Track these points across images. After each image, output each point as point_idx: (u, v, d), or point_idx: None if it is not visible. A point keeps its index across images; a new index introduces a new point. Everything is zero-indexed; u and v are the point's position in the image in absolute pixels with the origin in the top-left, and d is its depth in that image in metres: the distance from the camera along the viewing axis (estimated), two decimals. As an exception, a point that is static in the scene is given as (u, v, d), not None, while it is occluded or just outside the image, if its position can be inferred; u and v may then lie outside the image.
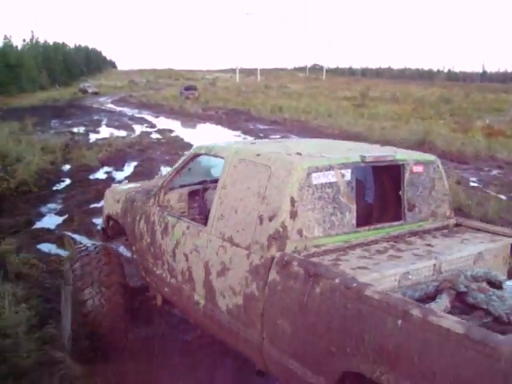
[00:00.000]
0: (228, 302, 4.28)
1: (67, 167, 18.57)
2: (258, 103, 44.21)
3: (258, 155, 4.44)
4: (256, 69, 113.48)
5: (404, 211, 4.68)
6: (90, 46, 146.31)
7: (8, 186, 14.67)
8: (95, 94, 71.16)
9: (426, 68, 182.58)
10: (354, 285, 3.21)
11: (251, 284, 3.98)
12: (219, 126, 33.43)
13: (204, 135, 29.79)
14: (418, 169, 4.81)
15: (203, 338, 6.09)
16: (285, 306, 3.65)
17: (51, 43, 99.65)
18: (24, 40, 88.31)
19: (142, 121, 36.57)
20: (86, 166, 18.01)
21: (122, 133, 28.58)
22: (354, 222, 4.27)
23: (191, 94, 53.96)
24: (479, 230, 4.87)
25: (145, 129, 31.55)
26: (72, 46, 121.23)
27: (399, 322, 2.85)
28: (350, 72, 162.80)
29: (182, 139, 24.95)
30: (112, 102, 56.61)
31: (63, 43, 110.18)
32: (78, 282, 5.46)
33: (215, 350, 5.77)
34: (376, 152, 4.89)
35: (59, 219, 12.28)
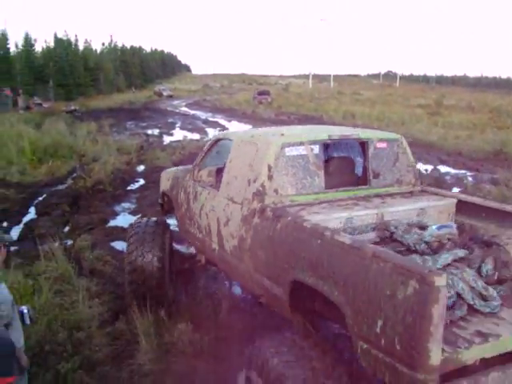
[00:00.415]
0: (230, 244, 5.64)
1: (141, 168, 18.99)
2: (331, 109, 43.98)
3: (252, 136, 5.99)
4: (329, 75, 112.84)
5: (369, 178, 5.87)
6: (166, 50, 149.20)
7: (84, 184, 15.18)
8: (170, 97, 72.34)
9: (503, 76, 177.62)
10: (298, 220, 4.60)
11: (242, 228, 5.32)
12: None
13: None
14: (382, 145, 6.01)
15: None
16: (261, 240, 4.97)
17: (128, 47, 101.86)
18: (103, 44, 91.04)
19: (215, 124, 36.95)
20: (160, 167, 18.32)
21: (196, 136, 28.99)
22: (323, 184, 5.49)
23: (264, 99, 54.09)
24: (438, 194, 6.06)
25: (218, 132, 31.87)
26: (148, 49, 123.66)
27: (318, 241, 4.15)
28: (425, 79, 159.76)
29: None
30: (186, 106, 57.46)
31: (140, 47, 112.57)
32: (132, 245, 6.86)
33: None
34: (343, 132, 6.23)
35: (132, 218, 12.60)
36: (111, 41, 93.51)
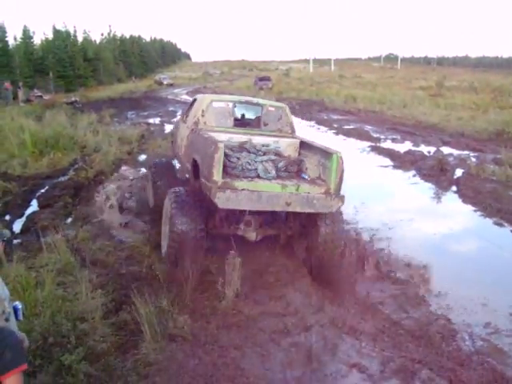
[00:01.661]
0: (182, 146, 10.64)
1: (143, 157, 18.95)
2: (332, 93, 43.90)
3: (202, 96, 10.80)
4: (330, 59, 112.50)
5: (261, 125, 10.02)
6: (166, 39, 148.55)
7: (86, 175, 15.14)
8: (170, 85, 72.19)
9: (505, 56, 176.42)
10: (201, 133, 8.69)
11: (186, 138, 10.05)
12: (292, 117, 33.31)
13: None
14: (271, 109, 10.16)
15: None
16: (189, 142, 9.63)
17: (128, 37, 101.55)
18: (102, 34, 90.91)
19: (215, 111, 36.74)
20: (162, 155, 18.33)
21: (197, 123, 28.80)
22: (232, 124, 9.75)
23: (265, 85, 54.00)
24: (294, 138, 9.91)
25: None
26: (148, 39, 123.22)
27: (201, 139, 8.39)
28: (426, 61, 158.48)
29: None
30: (187, 93, 57.28)
31: (139, 36, 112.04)
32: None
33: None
34: (249, 99, 10.96)
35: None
36: (110, 31, 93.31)
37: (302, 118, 31.78)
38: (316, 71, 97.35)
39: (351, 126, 26.93)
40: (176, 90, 63.45)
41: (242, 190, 7.26)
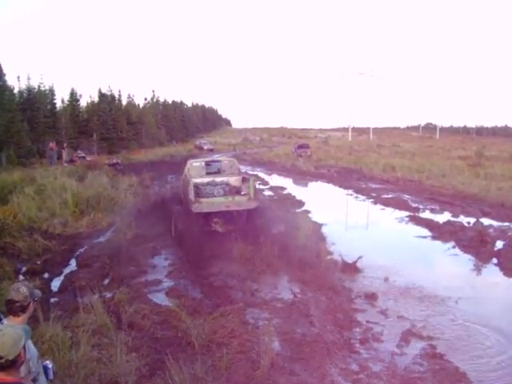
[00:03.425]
0: (181, 191, 18.20)
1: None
2: (370, 162, 43.87)
3: (188, 160, 19.31)
4: (368, 128, 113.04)
5: (221, 171, 18.15)
6: (207, 105, 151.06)
7: (125, 237, 15.28)
8: (210, 150, 73.12)
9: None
10: (187, 179, 16.45)
11: (182, 182, 18.24)
12: (331, 185, 33.35)
13: (315, 193, 29.81)
14: (225, 162, 19.23)
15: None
16: (183, 185, 17.71)
17: (170, 102, 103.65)
18: (145, 99, 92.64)
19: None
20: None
21: (235, 189, 29.01)
22: (204, 173, 17.55)
23: (304, 152, 54.20)
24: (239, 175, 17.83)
25: (257, 186, 31.95)
26: (189, 104, 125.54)
27: (187, 184, 15.41)
28: (465, 131, 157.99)
29: (294, 197, 25.03)
30: (226, 159, 57.73)
31: (181, 102, 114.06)
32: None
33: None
34: (215, 158, 21.80)
35: (170, 269, 12.69)
36: (153, 96, 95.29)
37: (340, 187, 31.75)
38: (354, 139, 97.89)
39: (389, 196, 26.77)
40: (216, 156, 64.30)
41: (202, 204, 14.68)
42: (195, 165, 18.09)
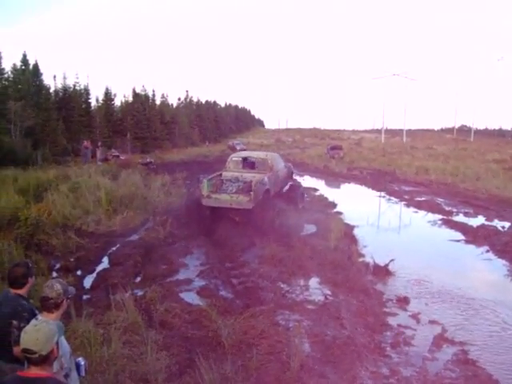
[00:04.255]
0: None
1: (214, 219, 19.09)
2: (403, 164, 43.43)
3: (234, 155, 21.26)
4: (401, 129, 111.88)
5: (254, 167, 19.37)
6: (240, 105, 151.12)
7: (157, 235, 15.38)
8: (243, 151, 73.14)
9: None
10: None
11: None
12: (363, 187, 33.14)
13: (348, 195, 29.65)
14: (260, 160, 19.74)
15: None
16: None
17: (204, 102, 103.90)
18: (179, 99, 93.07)
19: (286, 179, 36.86)
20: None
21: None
22: (241, 167, 19.66)
23: (336, 154, 53.88)
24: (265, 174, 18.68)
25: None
26: (223, 104, 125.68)
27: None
28: (500, 133, 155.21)
29: (326, 198, 24.91)
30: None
31: (215, 102, 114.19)
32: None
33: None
34: (250, 154, 21.13)
35: (201, 268, 12.74)
36: (187, 96, 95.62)
37: (373, 189, 31.53)
38: (388, 141, 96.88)
39: (423, 198, 26.49)
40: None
41: (210, 198, 16.62)
42: (235, 159, 20.15)
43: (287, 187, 21.27)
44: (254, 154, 20.78)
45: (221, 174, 18.57)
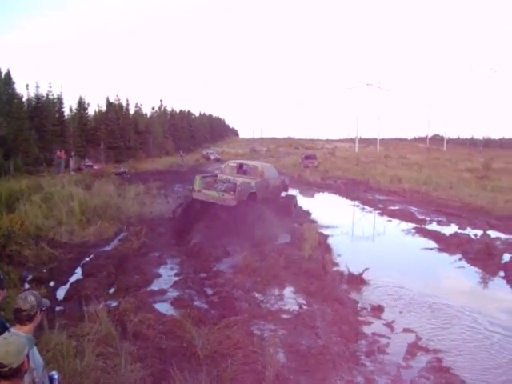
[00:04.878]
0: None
1: (187, 230, 19.04)
2: (377, 173, 43.75)
3: (230, 162, 23.39)
4: (375, 139, 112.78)
5: (246, 173, 21.14)
6: (214, 115, 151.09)
7: (131, 246, 15.29)
8: (217, 160, 73.00)
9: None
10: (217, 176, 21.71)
11: None
12: (337, 196, 33.35)
13: (322, 204, 29.76)
14: (251, 166, 21.69)
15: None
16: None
17: (178, 111, 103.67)
18: (153, 108, 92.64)
19: (260, 187, 36.90)
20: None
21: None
22: (236, 173, 21.28)
23: (311, 163, 54.08)
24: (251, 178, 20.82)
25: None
26: (197, 114, 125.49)
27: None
28: (472, 142, 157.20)
29: (300, 207, 25.01)
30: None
31: (189, 111, 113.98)
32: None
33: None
34: (244, 162, 23.07)
35: (175, 279, 12.66)
36: (161, 105, 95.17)
37: (347, 198, 31.76)
38: (361, 151, 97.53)
39: (396, 207, 26.73)
40: (223, 165, 64.03)
41: (200, 193, 18.63)
42: (231, 165, 22.44)
43: (283, 197, 23.27)
44: (249, 162, 23.00)
45: (216, 175, 21.29)
